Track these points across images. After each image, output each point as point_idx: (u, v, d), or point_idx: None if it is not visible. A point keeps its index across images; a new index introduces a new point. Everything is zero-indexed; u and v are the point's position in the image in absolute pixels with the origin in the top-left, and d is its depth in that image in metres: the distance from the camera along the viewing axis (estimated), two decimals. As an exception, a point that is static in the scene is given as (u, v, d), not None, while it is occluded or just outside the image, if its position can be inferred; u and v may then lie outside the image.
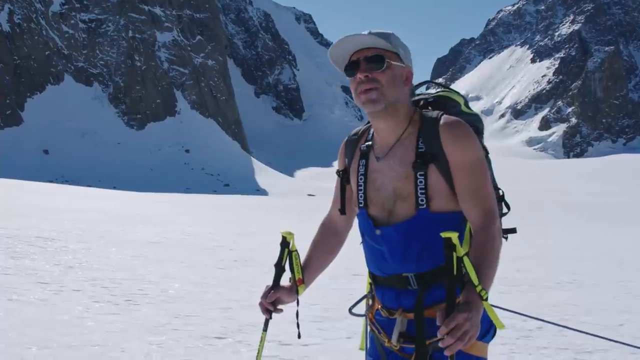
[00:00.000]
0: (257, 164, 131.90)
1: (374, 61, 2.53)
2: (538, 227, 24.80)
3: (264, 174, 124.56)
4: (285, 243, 2.84)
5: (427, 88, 2.99)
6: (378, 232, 2.60)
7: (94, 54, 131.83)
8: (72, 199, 32.59)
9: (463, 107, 2.70)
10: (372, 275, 2.75)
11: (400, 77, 2.59)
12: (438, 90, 2.79)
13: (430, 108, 2.72)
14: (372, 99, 2.53)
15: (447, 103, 2.71)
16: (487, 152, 2.70)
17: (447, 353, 2.15)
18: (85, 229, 16.32)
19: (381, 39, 2.54)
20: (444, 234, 2.24)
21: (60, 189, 48.72)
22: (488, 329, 2.56)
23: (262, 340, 2.90)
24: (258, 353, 2.91)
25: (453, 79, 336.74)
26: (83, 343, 5.99)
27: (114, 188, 73.32)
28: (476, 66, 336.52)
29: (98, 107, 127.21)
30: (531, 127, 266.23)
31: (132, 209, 28.78)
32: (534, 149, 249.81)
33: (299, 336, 3.00)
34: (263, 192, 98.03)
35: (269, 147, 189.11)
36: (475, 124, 2.68)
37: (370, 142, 2.74)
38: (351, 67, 2.58)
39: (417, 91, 2.85)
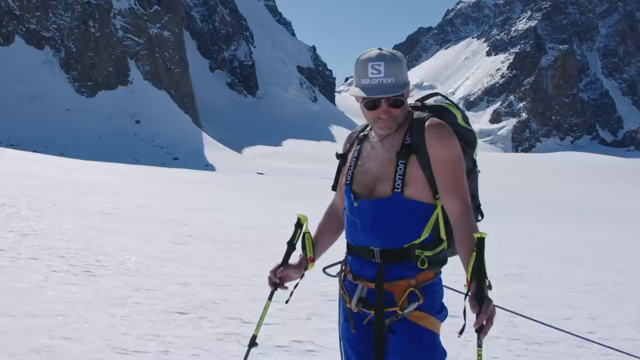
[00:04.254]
0: (207, 139, 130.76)
1: (396, 103, 2.92)
2: (486, 219, 25.28)
3: (214, 150, 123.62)
4: (299, 224, 3.22)
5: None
6: (356, 204, 3.00)
7: (46, 16, 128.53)
8: (18, 164, 31.93)
9: (460, 121, 3.07)
10: (347, 244, 3.13)
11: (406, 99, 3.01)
12: (443, 102, 3.15)
13: (426, 112, 3.08)
14: (389, 126, 2.96)
15: (444, 113, 3.07)
16: (475, 165, 3.10)
17: (482, 336, 2.61)
18: (35, 196, 16.06)
19: (398, 76, 2.87)
20: (476, 234, 2.67)
21: (5, 152, 47.62)
22: (441, 309, 2.99)
23: (266, 307, 3.28)
24: (260, 319, 3.29)
25: (409, 66, 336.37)
26: (46, 312, 5.98)
27: (61, 155, 71.98)
28: (432, 55, 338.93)
29: (48, 72, 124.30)
30: (482, 119, 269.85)
31: (81, 177, 28.36)
32: (484, 141, 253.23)
33: (287, 301, 3.38)
34: (211, 168, 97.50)
35: (221, 122, 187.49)
36: (467, 138, 3.06)
37: (367, 133, 3.14)
38: (372, 103, 2.92)
39: (426, 101, 3.23)
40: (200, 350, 5.47)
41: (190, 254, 10.57)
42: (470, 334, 7.34)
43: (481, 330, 2.58)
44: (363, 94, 2.86)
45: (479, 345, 2.66)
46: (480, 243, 2.65)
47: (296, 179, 63.14)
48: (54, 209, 14.20)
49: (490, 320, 2.57)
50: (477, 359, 2.67)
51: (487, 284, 2.64)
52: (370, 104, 2.91)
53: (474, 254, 2.65)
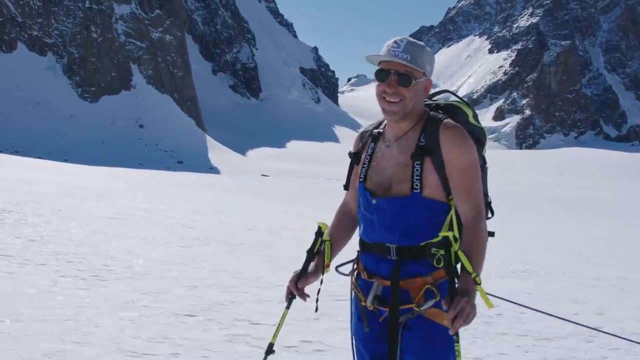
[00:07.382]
0: (211, 142, 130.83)
1: (403, 80, 2.91)
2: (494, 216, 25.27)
3: (218, 152, 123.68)
4: (320, 232, 3.20)
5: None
6: (374, 201, 3.00)
7: (49, 23, 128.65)
8: (23, 171, 32.04)
9: (471, 119, 3.08)
10: (361, 241, 3.13)
11: (421, 90, 2.97)
12: (453, 100, 3.16)
13: (440, 112, 3.08)
14: (394, 111, 2.95)
15: (456, 112, 3.08)
16: (484, 162, 3.11)
17: (452, 332, 2.59)
18: (40, 202, 16.14)
19: (416, 57, 2.91)
20: (442, 233, 2.75)
21: (9, 159, 47.73)
22: None
23: (284, 316, 3.23)
24: (278, 327, 3.23)
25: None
26: (55, 317, 6.03)
27: (65, 161, 72.16)
28: (434, 54, 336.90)
29: (51, 78, 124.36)
30: (486, 117, 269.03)
31: (86, 182, 28.42)
32: (488, 138, 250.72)
33: (317, 309, 3.37)
34: (216, 171, 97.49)
35: (224, 125, 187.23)
36: (477, 136, 3.07)
37: (381, 130, 3.13)
38: (382, 73, 2.93)
39: (435, 98, 3.23)
40: (209, 352, 5.51)
41: (196, 257, 10.61)
42: (479, 331, 7.34)
43: (451, 326, 2.58)
44: (377, 59, 2.93)
45: (456, 341, 2.72)
46: (446, 240, 2.78)
47: (300, 180, 63.20)
48: (60, 214, 14.27)
49: (460, 317, 2.57)
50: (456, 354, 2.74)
51: (474, 280, 2.70)
52: (381, 77, 2.93)
53: (460, 253, 2.73)
